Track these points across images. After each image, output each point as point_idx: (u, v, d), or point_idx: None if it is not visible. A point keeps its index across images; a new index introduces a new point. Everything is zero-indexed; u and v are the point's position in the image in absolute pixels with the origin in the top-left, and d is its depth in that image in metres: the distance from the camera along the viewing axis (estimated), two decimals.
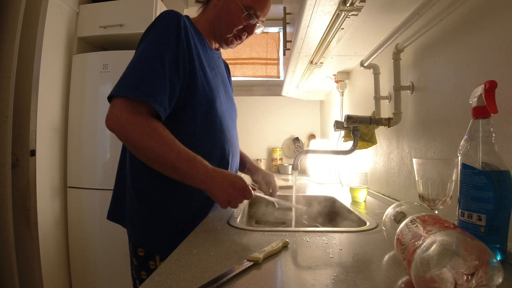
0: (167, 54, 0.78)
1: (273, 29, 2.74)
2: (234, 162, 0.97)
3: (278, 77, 2.76)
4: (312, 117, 2.61)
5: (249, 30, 0.96)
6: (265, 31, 2.68)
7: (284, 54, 1.74)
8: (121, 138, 0.74)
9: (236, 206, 0.77)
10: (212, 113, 0.87)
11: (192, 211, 0.87)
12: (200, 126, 0.85)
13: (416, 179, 0.63)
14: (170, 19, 0.82)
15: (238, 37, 0.97)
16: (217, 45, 1.01)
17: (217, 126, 0.89)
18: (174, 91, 0.79)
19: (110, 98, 0.76)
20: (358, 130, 1.05)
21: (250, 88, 2.68)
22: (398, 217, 0.55)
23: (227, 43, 0.97)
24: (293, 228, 0.89)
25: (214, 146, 0.88)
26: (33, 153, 1.58)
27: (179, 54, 0.80)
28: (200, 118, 0.85)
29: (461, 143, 0.53)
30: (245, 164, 1.14)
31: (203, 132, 0.86)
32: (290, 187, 1.49)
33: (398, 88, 1.02)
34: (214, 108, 0.88)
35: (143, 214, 0.84)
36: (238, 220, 0.84)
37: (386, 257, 0.56)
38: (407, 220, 0.46)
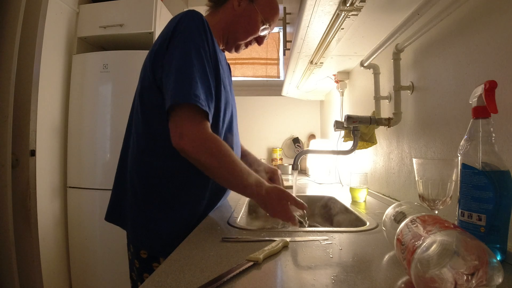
0: (205, 61, 0.79)
1: (273, 29, 2.74)
2: None
3: (278, 77, 2.76)
4: (312, 117, 2.60)
5: (260, 40, 1.01)
6: None
7: (284, 54, 1.74)
8: (192, 159, 0.76)
9: (286, 218, 0.81)
10: (227, 114, 0.88)
11: (198, 213, 0.86)
12: (221, 128, 0.86)
13: (416, 179, 0.63)
14: (199, 21, 0.81)
15: (248, 44, 1.00)
16: (223, 47, 1.01)
17: (230, 127, 0.90)
18: (213, 96, 0.81)
19: (170, 107, 0.75)
20: (358, 130, 1.05)
21: (250, 88, 2.68)
22: (398, 217, 0.55)
23: (237, 48, 1.00)
24: (293, 228, 0.89)
25: None
26: (33, 153, 1.58)
27: (211, 59, 0.82)
28: (221, 120, 0.85)
29: (461, 143, 0.53)
30: (245, 159, 1.14)
31: (221, 133, 0.87)
32: (290, 187, 1.49)
33: (398, 88, 1.02)
34: (229, 110, 0.89)
35: (148, 215, 0.83)
36: (238, 220, 0.84)
37: (386, 257, 0.56)
38: (407, 220, 0.46)
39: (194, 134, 0.74)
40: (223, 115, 0.86)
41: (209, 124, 0.77)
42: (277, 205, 0.79)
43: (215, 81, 0.82)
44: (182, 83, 0.74)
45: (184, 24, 0.79)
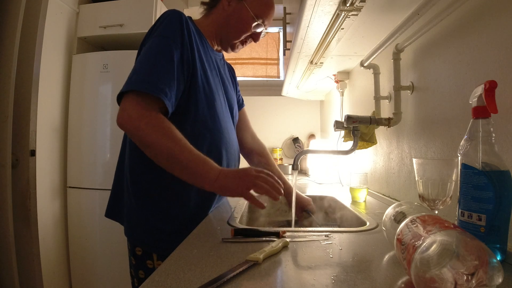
0: (173, 52, 0.78)
1: (273, 29, 2.74)
2: (231, 164, 0.96)
3: (278, 77, 2.76)
4: (312, 117, 2.60)
5: (255, 37, 0.99)
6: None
7: (284, 54, 1.74)
8: (133, 137, 0.74)
9: (262, 191, 0.70)
10: (211, 113, 0.88)
11: (190, 210, 0.86)
12: (199, 126, 0.85)
13: (416, 179, 0.63)
14: (174, 18, 0.82)
15: (244, 42, 0.99)
16: (219, 47, 1.02)
17: (215, 127, 0.89)
18: (179, 89, 0.80)
19: (119, 97, 0.75)
20: (358, 130, 1.05)
21: (250, 88, 2.68)
22: (398, 217, 0.55)
23: (233, 47, 0.99)
24: (293, 228, 0.89)
25: (211, 146, 0.87)
26: (33, 153, 1.58)
27: (184, 53, 0.81)
28: (199, 117, 0.85)
29: (461, 143, 0.53)
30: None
31: (202, 132, 0.86)
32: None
33: (398, 88, 1.02)
34: (213, 108, 0.88)
35: (141, 212, 0.84)
36: (238, 220, 0.84)
37: (386, 257, 0.56)
38: (407, 220, 0.46)
39: (134, 111, 0.71)
40: (199, 115, 0.85)
41: (157, 109, 0.74)
42: (235, 185, 0.70)
43: (191, 77, 0.82)
44: (135, 74, 0.75)
45: (158, 23, 0.83)
